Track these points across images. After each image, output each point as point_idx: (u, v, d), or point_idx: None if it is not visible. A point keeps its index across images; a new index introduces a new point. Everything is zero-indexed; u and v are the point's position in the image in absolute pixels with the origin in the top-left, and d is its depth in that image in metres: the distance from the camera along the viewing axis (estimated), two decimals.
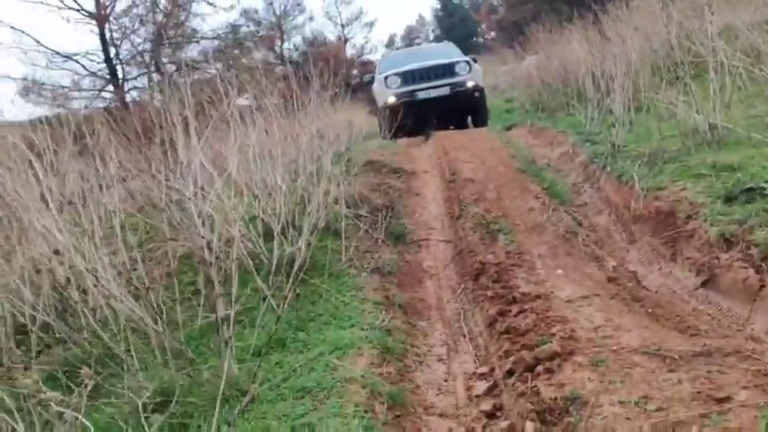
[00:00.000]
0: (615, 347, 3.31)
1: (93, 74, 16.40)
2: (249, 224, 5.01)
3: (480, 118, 12.19)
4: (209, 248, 4.03)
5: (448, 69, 11.48)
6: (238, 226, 4.65)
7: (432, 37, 47.50)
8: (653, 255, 5.17)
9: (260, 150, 5.70)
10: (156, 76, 15.68)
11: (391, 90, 11.37)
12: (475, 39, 41.86)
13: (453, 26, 42.15)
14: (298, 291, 4.55)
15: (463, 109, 12.06)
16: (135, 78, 17.33)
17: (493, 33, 37.15)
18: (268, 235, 5.01)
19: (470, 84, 11.42)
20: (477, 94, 11.56)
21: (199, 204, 4.71)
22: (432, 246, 5.94)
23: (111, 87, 16.71)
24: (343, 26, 37.94)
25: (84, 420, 2.47)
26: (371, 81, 13.23)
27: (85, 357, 3.38)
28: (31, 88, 14.76)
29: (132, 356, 3.42)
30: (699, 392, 2.64)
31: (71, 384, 2.80)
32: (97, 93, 16.94)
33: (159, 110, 6.17)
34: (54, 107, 13.40)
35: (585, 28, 12.12)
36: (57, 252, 3.55)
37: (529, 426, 2.89)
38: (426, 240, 6.00)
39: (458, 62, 11.70)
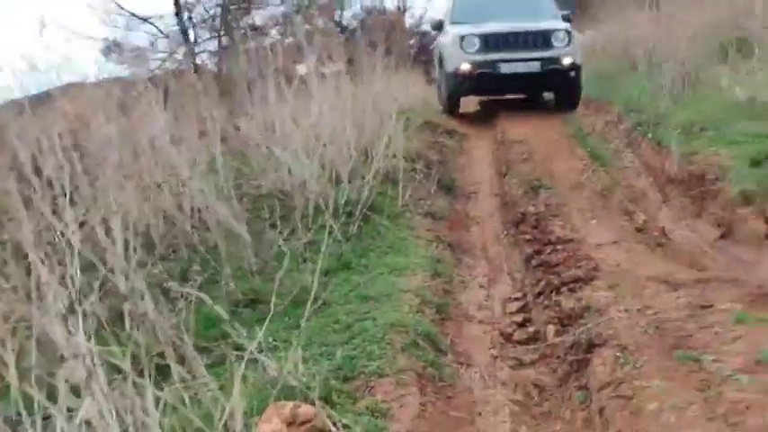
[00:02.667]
0: (630, 276, 3.91)
1: (167, 36, 17.45)
2: (321, 170, 5.74)
3: (570, 101, 9.58)
4: (291, 186, 4.80)
5: (542, 38, 8.99)
6: (312, 169, 5.42)
7: None
8: (682, 212, 5.68)
9: (330, 107, 6.40)
10: (225, 40, 16.58)
11: (466, 54, 8.97)
12: None
13: None
14: (361, 225, 5.31)
15: (552, 89, 9.93)
16: (206, 41, 18.30)
17: None
18: (336, 180, 5.74)
19: (567, 60, 8.91)
20: (573, 73, 9.04)
21: (280, 150, 5.50)
22: (479, 198, 6.57)
23: (183, 50, 17.69)
24: None
25: (202, 296, 3.24)
26: (439, 28, 10.84)
27: (193, 263, 4.19)
28: (112, 49, 15.90)
29: (228, 265, 4.22)
30: (690, 303, 3.24)
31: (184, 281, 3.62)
32: (170, 54, 17.95)
33: (241, 71, 6.98)
34: (133, 67, 14.44)
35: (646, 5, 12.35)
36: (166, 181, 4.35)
37: (550, 328, 3.55)
38: (474, 193, 6.64)
39: (555, 30, 9.09)
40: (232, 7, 18.14)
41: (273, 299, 3.55)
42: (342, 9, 33.61)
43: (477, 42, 9.02)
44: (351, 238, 5.04)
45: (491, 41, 8.98)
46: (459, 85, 8.97)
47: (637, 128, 7.60)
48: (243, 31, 17.12)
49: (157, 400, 2.16)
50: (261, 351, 2.85)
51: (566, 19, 9.67)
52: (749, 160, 5.40)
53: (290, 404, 2.37)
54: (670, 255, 4.67)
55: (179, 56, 17.27)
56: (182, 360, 2.85)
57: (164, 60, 17.19)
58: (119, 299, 3.09)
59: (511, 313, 4.09)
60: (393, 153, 6.44)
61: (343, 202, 5.38)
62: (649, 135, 7.16)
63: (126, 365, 2.13)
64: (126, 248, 3.41)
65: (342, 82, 6.63)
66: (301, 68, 8.34)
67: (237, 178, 5.85)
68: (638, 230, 5.30)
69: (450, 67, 9.17)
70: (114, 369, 2.21)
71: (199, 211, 4.60)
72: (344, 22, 32.23)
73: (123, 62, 15.60)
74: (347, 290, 4.19)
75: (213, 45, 18.34)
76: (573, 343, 3.16)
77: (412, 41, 31.32)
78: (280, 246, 4.60)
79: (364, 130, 6.45)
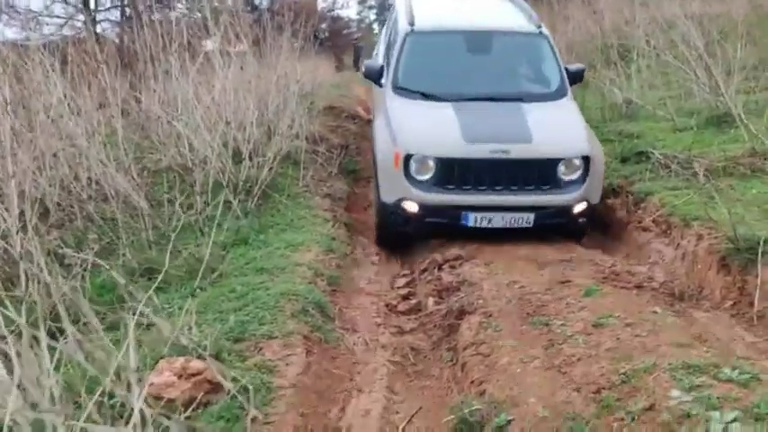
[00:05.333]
0: (506, 255, 4.33)
1: (64, 0, 16.58)
2: (222, 147, 5.83)
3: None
4: (192, 161, 4.89)
5: (541, 172, 4.83)
6: (213, 146, 5.51)
7: None
8: None
9: (234, 85, 6.48)
10: (128, 10, 15.97)
11: (412, 187, 4.86)
12: None
13: None
14: (260, 203, 5.48)
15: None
16: (107, 10, 17.54)
17: None
18: (237, 157, 5.86)
19: (579, 207, 4.88)
20: (582, 220, 4.99)
21: (182, 126, 5.55)
22: None
23: (81, 17, 16.88)
24: None
25: (99, 261, 3.33)
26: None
27: (89, 232, 4.22)
28: (4, 10, 14.93)
29: (125, 235, 4.28)
30: (551, 279, 3.67)
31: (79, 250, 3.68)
32: (66, 21, 17.09)
33: (145, 44, 6.91)
34: (24, 30, 13.67)
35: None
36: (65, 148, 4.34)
37: (430, 300, 3.89)
38: (372, 160, 6.92)
39: (566, 160, 4.83)
40: None
41: (168, 268, 3.68)
42: None
43: (431, 170, 4.82)
44: (249, 215, 5.19)
45: (456, 174, 4.78)
46: (397, 224, 4.99)
47: None
48: (147, 3, 16.50)
49: (52, 352, 2.28)
50: (156, 313, 3.00)
51: (576, 77, 5.74)
52: (619, 157, 6.01)
53: (182, 359, 2.56)
54: (542, 240, 5.14)
55: (78, 23, 16.47)
56: (76, 322, 2.96)
57: (61, 26, 16.35)
58: (13, 263, 3.13)
59: (398, 288, 4.41)
60: (296, 134, 6.62)
61: (243, 179, 5.52)
62: None
63: (21, 319, 2.24)
64: (21, 214, 3.44)
65: (247, 62, 6.72)
66: (207, 45, 8.33)
67: (138, 151, 5.84)
68: None
69: (385, 195, 5.03)
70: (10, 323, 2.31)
71: (96, 182, 4.62)
72: (255, 1, 31.64)
73: (14, 25, 14.71)
74: (243, 263, 4.36)
75: (115, 15, 17.62)
76: (447, 311, 3.51)
77: (323, 25, 31.34)
78: (179, 219, 4.70)
79: (267, 111, 6.58)
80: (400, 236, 5.12)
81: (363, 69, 6.11)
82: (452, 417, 2.35)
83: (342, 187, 6.40)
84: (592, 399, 2.27)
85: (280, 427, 2.36)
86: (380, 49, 7.59)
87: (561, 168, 4.77)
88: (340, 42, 27.47)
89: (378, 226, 5.38)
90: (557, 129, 5.10)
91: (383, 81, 5.85)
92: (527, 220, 4.71)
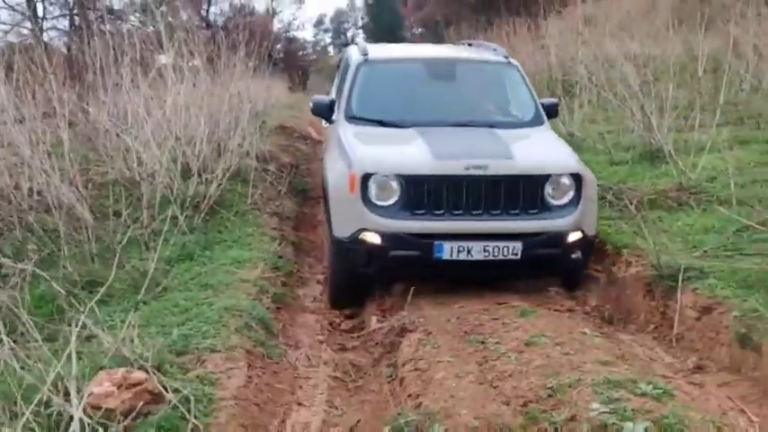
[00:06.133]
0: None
1: (11, 7, 16.21)
2: (171, 162, 5.83)
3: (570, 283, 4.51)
4: (140, 175, 4.89)
5: (527, 191, 4.09)
6: (162, 160, 5.51)
7: (360, 23, 48.44)
8: None
9: (185, 102, 6.50)
10: (78, 20, 15.73)
11: (372, 214, 4.03)
12: (402, 32, 43.08)
13: (382, 17, 43.08)
14: (207, 219, 5.49)
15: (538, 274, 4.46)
16: (55, 18, 17.21)
17: (420, 30, 38.44)
18: (186, 173, 5.86)
19: (574, 236, 4.15)
20: (579, 254, 4.21)
21: (131, 139, 5.54)
22: None
23: (28, 24, 16.52)
24: None
25: (38, 272, 3.30)
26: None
27: (29, 242, 4.17)
28: None
29: (67, 247, 4.24)
30: (490, 300, 3.82)
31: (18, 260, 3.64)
32: (12, 27, 16.69)
33: (92, 54, 6.86)
34: None
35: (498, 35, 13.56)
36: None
37: (373, 319, 3.99)
38: (323, 197, 7.01)
39: (554, 176, 4.18)
40: None
41: (111, 281, 3.66)
42: (209, 4, 32.82)
43: (395, 193, 4.05)
44: (196, 230, 5.20)
45: (426, 196, 4.02)
46: (356, 264, 4.09)
47: None
48: (99, 13, 16.28)
49: None
50: (97, 325, 3.00)
51: (551, 111, 5.21)
52: None
53: (122, 369, 2.57)
54: None
55: (24, 30, 16.10)
56: (13, 332, 2.93)
57: (6, 32, 15.95)
58: None
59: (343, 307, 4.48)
60: (246, 152, 6.67)
61: (191, 194, 5.53)
62: None
63: None
64: None
65: (200, 78, 6.75)
66: (161, 59, 8.32)
67: (84, 163, 5.79)
68: None
69: (339, 228, 4.18)
70: None
71: (39, 192, 4.56)
72: (211, 18, 31.51)
73: None
74: (188, 278, 4.36)
75: (63, 23, 17.30)
76: (389, 329, 3.61)
77: (279, 46, 31.49)
78: (123, 232, 4.67)
79: (218, 128, 6.61)
80: (359, 283, 4.22)
81: (311, 105, 5.27)
82: (388, 428, 2.44)
83: (290, 206, 6.47)
84: (519, 411, 2.40)
85: None
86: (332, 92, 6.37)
87: (549, 189, 4.07)
88: (294, 63, 27.64)
89: (331, 276, 4.38)
90: (540, 147, 4.59)
91: (334, 117, 5.11)
92: (513, 250, 3.91)
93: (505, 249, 3.93)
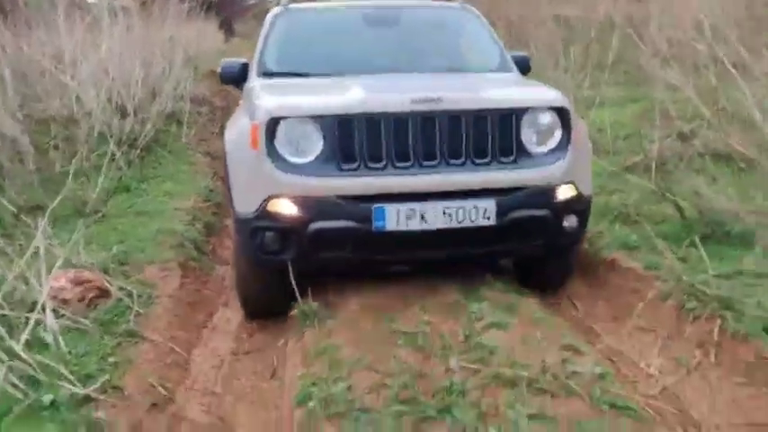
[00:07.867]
0: None
1: None
2: (107, 102, 6.17)
3: (557, 276, 3.70)
4: (78, 113, 5.26)
5: (501, 131, 3.01)
6: (99, 100, 5.87)
7: None
8: None
9: (121, 47, 6.78)
10: None
11: (283, 172, 2.92)
12: None
13: None
14: (143, 156, 5.91)
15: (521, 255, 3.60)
16: None
17: None
18: (123, 113, 6.22)
19: (565, 193, 3.12)
20: (574, 221, 3.17)
21: (68, 78, 5.85)
22: None
23: None
24: None
25: None
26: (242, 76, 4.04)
27: None
28: None
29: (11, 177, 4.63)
30: None
31: None
32: None
33: None
34: None
35: None
36: None
37: None
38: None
39: (532, 109, 3.10)
40: None
41: (54, 207, 4.09)
42: None
43: (316, 143, 2.97)
44: (132, 165, 5.63)
45: (359, 143, 2.94)
46: (266, 251, 3.00)
47: None
48: None
49: None
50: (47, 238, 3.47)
51: (522, 67, 4.22)
52: None
53: (74, 270, 3.09)
54: None
55: None
56: None
57: None
58: None
59: None
60: (180, 96, 7.05)
61: (127, 132, 5.92)
62: None
63: None
64: None
65: (134, 22, 7.02)
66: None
67: (21, 100, 6.05)
68: None
69: (241, 203, 3.10)
70: None
71: None
72: None
73: None
74: (126, 207, 4.84)
75: None
76: None
77: None
78: (62, 165, 5.07)
79: (152, 71, 6.94)
80: (277, 283, 3.06)
81: (219, 71, 4.14)
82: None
83: (222, 146, 6.90)
84: None
85: (156, 322, 2.97)
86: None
87: (527, 130, 3.06)
88: (231, 10, 27.18)
89: (237, 275, 3.35)
90: (510, 85, 3.69)
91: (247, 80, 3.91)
92: (485, 213, 2.90)
93: (473, 212, 2.90)
